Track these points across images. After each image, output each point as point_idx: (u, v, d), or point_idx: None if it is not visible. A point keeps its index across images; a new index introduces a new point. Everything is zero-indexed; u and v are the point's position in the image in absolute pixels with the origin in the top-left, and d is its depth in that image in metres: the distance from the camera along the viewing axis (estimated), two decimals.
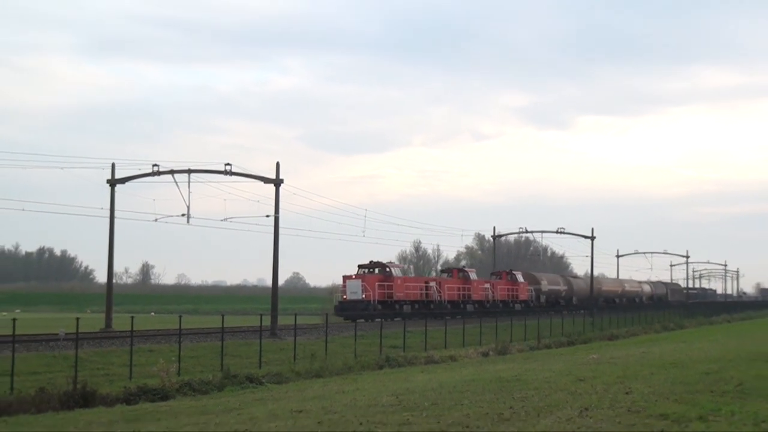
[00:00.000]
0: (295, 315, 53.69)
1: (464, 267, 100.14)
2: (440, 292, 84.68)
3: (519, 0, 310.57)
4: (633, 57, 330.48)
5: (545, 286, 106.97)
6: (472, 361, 46.22)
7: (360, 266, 78.08)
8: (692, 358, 35.87)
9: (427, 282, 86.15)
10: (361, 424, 18.35)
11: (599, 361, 36.89)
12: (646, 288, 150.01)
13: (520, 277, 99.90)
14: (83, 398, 29.11)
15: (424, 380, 31.08)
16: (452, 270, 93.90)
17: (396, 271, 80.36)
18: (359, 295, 73.05)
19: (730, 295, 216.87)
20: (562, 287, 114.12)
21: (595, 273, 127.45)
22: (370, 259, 78.80)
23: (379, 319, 73.82)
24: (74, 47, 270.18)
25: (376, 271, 77.77)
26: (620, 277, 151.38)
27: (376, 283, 74.64)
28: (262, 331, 50.02)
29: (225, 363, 37.76)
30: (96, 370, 34.35)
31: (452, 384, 27.68)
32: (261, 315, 56.06)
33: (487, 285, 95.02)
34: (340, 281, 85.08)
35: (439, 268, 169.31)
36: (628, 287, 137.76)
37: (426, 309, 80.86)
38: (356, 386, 30.73)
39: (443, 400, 22.40)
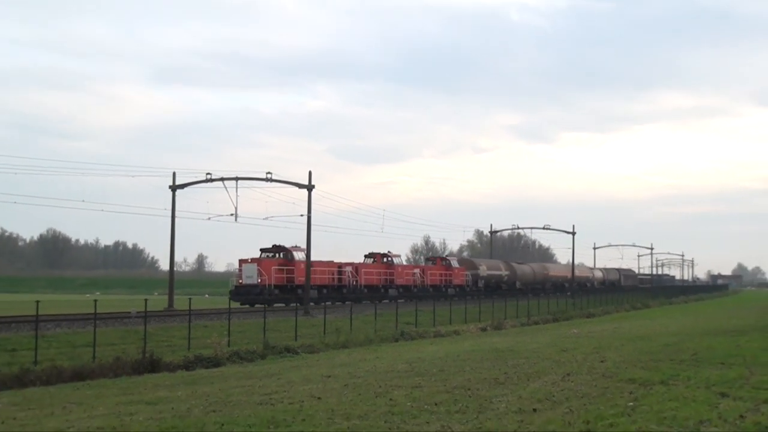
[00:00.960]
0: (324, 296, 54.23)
1: (388, 253, 78.43)
2: (356, 277, 71.18)
3: (510, 38, 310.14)
4: (604, 84, 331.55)
5: (484, 271, 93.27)
6: (472, 335, 46.09)
7: (262, 250, 65.06)
8: (655, 332, 35.82)
9: (341, 267, 70.50)
10: (380, 386, 18.34)
11: (579, 335, 36.83)
12: (598, 274, 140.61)
13: (454, 263, 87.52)
14: (151, 365, 29.14)
15: (432, 351, 31.02)
16: (376, 255, 77.24)
17: (299, 255, 64.00)
18: (254, 280, 60.05)
19: (687, 281, 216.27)
20: (504, 272, 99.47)
21: (576, 262, 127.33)
22: (273, 243, 65.11)
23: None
24: (143, 77, 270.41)
25: (280, 255, 64.10)
26: (597, 265, 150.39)
27: (273, 267, 61.24)
28: (297, 310, 50.02)
29: (266, 336, 37.64)
30: (161, 342, 34.34)
31: (456, 354, 27.63)
32: (297, 301, 56.58)
33: (416, 270, 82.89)
34: None
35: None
36: (577, 273, 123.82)
37: (338, 294, 69.18)
38: (376, 355, 30.67)
39: (449, 367, 22.36)
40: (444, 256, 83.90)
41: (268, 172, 61.13)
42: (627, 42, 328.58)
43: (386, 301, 74.47)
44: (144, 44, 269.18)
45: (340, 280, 68.82)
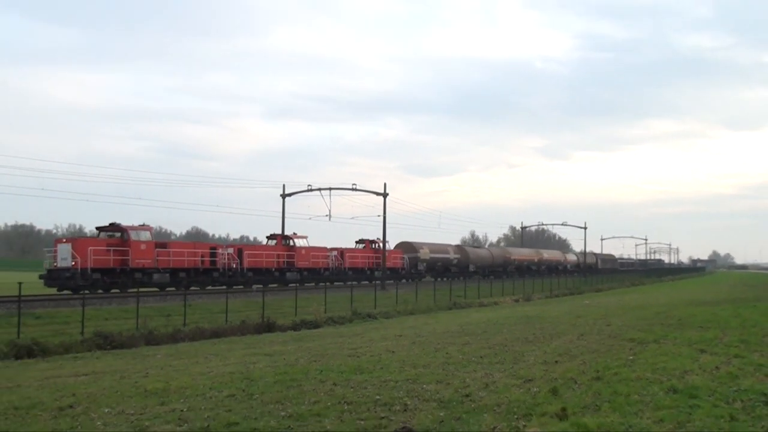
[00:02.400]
0: (383, 277, 54.18)
1: (293, 234, 56.82)
2: (236, 260, 49.67)
3: (535, 81, 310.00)
4: (608, 115, 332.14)
5: (425, 254, 72.44)
6: (508, 305, 45.82)
7: (98, 228, 45.66)
8: (649, 303, 35.38)
9: (213, 248, 49.59)
10: (438, 343, 18.30)
11: (590, 305, 36.46)
12: (571, 257, 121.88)
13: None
14: (267, 327, 29.36)
15: (477, 317, 30.84)
16: (276, 236, 56.65)
17: (142, 235, 43.75)
18: (68, 262, 40.48)
19: (673, 264, 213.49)
20: (453, 256, 79.00)
21: (588, 250, 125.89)
22: (111, 222, 44.25)
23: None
24: (259, 114, 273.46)
25: (118, 235, 43.42)
26: (604, 251, 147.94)
27: (91, 248, 40.92)
28: (376, 286, 50.14)
29: (353, 305, 37.76)
30: (275, 310, 34.56)
31: (495, 319, 27.47)
32: (376, 281, 56.52)
33: (332, 252, 59.81)
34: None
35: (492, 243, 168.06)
36: (547, 256, 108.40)
37: (204, 278, 47.30)
38: (435, 320, 30.61)
39: (490, 329, 22.24)
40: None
41: (353, 184, 61.97)
42: (625, 82, 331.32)
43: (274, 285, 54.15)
44: (259, 89, 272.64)
45: (214, 263, 47.35)
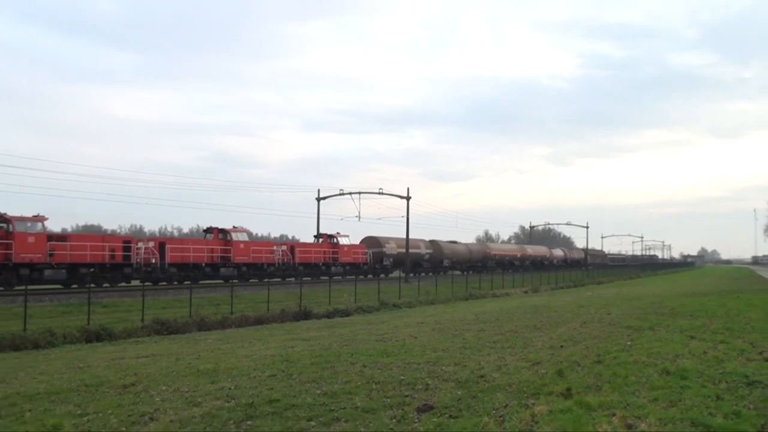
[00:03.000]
0: (407, 270, 54.02)
1: (233, 228, 47.07)
2: (156, 255, 40.03)
3: (541, 95, 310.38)
4: (608, 125, 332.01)
5: (391, 249, 62.03)
6: (518, 296, 45.61)
7: None
8: (645, 294, 35.07)
9: (127, 242, 39.28)
10: (456, 330, 18.28)
11: (592, 296, 36.19)
12: (558, 253, 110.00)
13: (343, 240, 55.25)
14: (304, 315, 29.45)
15: (491, 306, 30.74)
16: (213, 230, 46.89)
17: (31, 227, 34.35)
18: None
19: (666, 259, 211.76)
20: (425, 251, 67.87)
21: (588, 247, 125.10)
22: None
23: (462, 271, 71.27)
24: (296, 127, 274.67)
25: (3, 226, 33.71)
26: (605, 248, 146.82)
27: None
28: (400, 280, 50.09)
29: (380, 296, 37.75)
30: (311, 299, 34.64)
31: (507, 308, 27.36)
32: (399, 272, 56.35)
33: (281, 247, 50.39)
34: None
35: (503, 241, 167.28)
36: (530, 251, 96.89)
37: (114, 274, 37.85)
38: (453, 309, 30.53)
39: (502, 317, 22.15)
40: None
41: (380, 188, 62.39)
42: (623, 96, 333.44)
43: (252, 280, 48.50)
44: (296, 106, 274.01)
45: (128, 258, 37.88)
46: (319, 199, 62.70)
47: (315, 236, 56.24)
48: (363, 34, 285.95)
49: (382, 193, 62.19)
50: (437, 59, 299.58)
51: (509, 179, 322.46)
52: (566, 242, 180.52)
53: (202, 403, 9.05)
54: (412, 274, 59.15)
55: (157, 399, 9.57)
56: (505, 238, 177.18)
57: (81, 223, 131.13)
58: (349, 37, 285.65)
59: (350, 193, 62.78)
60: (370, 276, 56.98)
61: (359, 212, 64.69)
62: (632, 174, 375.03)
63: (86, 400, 9.81)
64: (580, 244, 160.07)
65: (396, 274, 63.46)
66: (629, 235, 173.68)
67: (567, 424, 7.34)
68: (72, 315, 26.63)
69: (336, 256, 54.19)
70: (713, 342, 13.76)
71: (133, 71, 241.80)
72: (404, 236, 63.22)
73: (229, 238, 45.95)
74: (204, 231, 48.20)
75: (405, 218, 60.63)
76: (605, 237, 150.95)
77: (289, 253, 49.79)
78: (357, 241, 61.09)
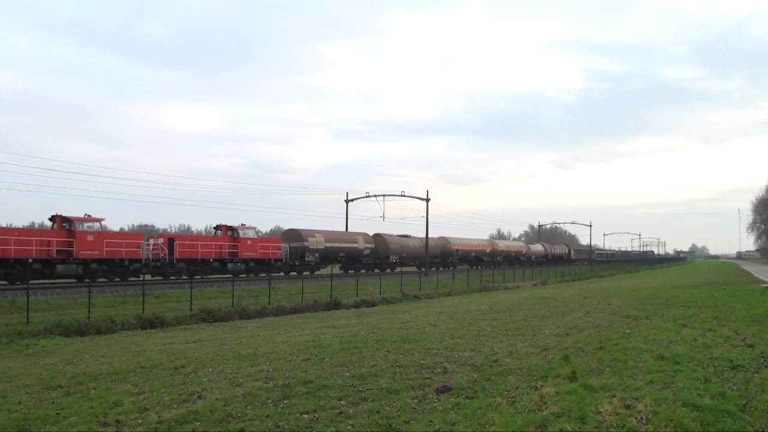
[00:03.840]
0: (426, 264, 53.86)
1: (241, 225, 43.82)
2: (162, 250, 37.82)
3: (547, 106, 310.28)
4: (607, 133, 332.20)
5: (317, 243, 50.63)
6: (528, 288, 45.43)
7: None
8: (642, 287, 34.81)
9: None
10: (471, 319, 18.21)
11: (594, 289, 35.96)
12: (537, 248, 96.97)
13: (248, 233, 44.13)
14: (334, 305, 29.53)
15: (503, 298, 30.66)
16: (222, 227, 44.18)
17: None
18: None
19: (661, 255, 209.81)
20: (364, 245, 56.12)
21: (592, 244, 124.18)
22: None
23: (479, 266, 71.03)
24: (326, 136, 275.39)
25: None
26: (606, 245, 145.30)
27: None
28: (420, 273, 50.07)
29: (402, 288, 37.76)
30: (340, 291, 34.75)
31: (518, 299, 27.27)
32: (420, 267, 56.04)
33: (157, 240, 39.64)
34: None
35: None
36: (503, 247, 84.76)
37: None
38: (469, 300, 30.49)
39: (514, 308, 22.07)
40: (237, 225, 43.75)
41: (402, 191, 62.23)
42: (620, 107, 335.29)
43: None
44: (326, 116, 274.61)
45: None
46: (347, 201, 62.83)
47: (215, 228, 45.55)
48: (385, 53, 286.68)
49: (404, 196, 62.09)
50: (453, 75, 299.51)
51: (519, 183, 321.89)
52: (571, 240, 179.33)
53: (244, 384, 9.11)
54: (423, 269, 59.04)
55: (204, 380, 9.65)
56: (516, 235, 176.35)
57: (136, 223, 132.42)
58: (373, 55, 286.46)
59: (375, 196, 62.76)
60: (282, 274, 46.70)
61: (383, 213, 64.31)
62: (630, 177, 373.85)
63: (142, 380, 9.92)
64: (584, 241, 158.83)
65: (390, 269, 59.47)
66: (628, 233, 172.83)
67: (572, 404, 7.31)
68: (129, 305, 26.92)
69: (235, 250, 42.81)
70: (702, 330, 13.63)
71: (183, 88, 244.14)
72: (343, 230, 57.14)
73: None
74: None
75: (425, 218, 60.57)
76: (607, 235, 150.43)
77: (165, 248, 38.38)
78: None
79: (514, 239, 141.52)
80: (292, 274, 48.35)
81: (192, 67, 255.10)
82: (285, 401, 7.98)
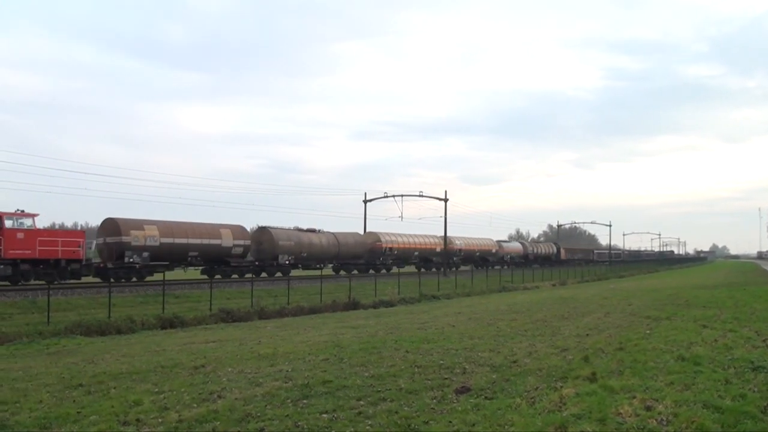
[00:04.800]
0: (447, 265, 53.63)
1: (14, 212, 29.21)
2: None
3: (567, 105, 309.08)
4: (627, 132, 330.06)
5: (143, 239, 36.15)
6: (547, 289, 45.26)
7: None
8: (662, 287, 34.55)
9: None
10: (490, 319, 18.17)
11: (614, 289, 35.72)
12: (514, 247, 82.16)
13: (21, 224, 29.55)
14: (353, 305, 29.64)
15: (522, 298, 30.55)
16: None
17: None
18: None
19: (682, 255, 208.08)
20: (235, 242, 41.41)
21: (612, 243, 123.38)
22: None
23: (500, 266, 70.20)
24: (344, 137, 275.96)
25: None
26: (626, 245, 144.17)
27: None
28: (439, 273, 50.00)
29: (420, 288, 37.75)
30: (359, 291, 34.83)
31: (537, 300, 27.15)
32: (438, 266, 55.99)
33: None
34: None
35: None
36: (461, 244, 68.38)
37: None
38: (488, 301, 30.41)
39: (533, 308, 21.98)
40: (16, 211, 29.46)
41: (420, 191, 62.10)
42: (640, 105, 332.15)
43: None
44: (344, 117, 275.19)
45: None
46: (365, 201, 62.80)
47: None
48: (403, 53, 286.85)
49: (422, 196, 61.95)
50: (471, 74, 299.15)
51: (538, 182, 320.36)
52: (591, 240, 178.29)
53: (263, 384, 9.16)
54: (443, 269, 58.90)
55: (224, 379, 9.71)
56: (535, 235, 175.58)
57: None
58: (391, 56, 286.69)
59: (393, 196, 62.62)
60: (76, 278, 32.85)
61: (402, 213, 64.30)
62: (650, 176, 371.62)
63: (162, 380, 10.00)
64: (604, 241, 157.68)
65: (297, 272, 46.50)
66: (648, 233, 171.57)
67: (592, 405, 7.28)
68: (149, 305, 27.15)
69: None
70: (723, 331, 13.52)
71: (203, 90, 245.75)
72: (209, 223, 41.30)
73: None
74: None
75: (443, 218, 60.42)
76: (626, 235, 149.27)
77: None
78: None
79: (533, 239, 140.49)
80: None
81: (211, 69, 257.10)
82: (304, 401, 8.00)
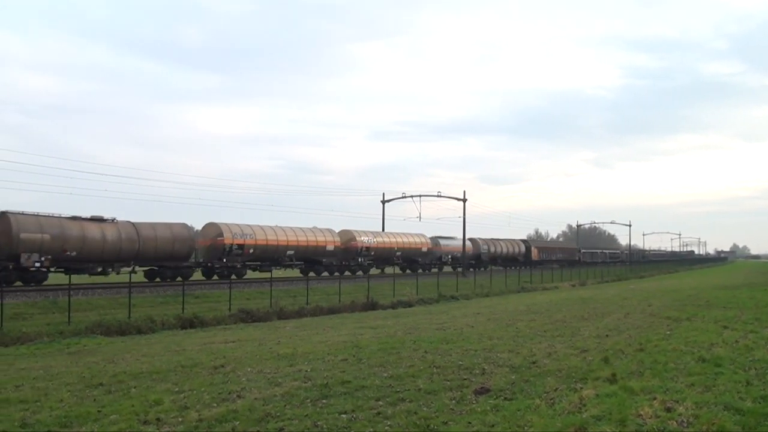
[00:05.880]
0: (463, 265, 53.51)
1: None
2: None
3: (586, 105, 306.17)
4: (646, 131, 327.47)
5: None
6: (566, 289, 45.07)
7: None
8: (682, 287, 34.31)
9: None
10: (509, 319, 18.15)
11: (634, 289, 35.51)
12: (451, 245, 61.96)
13: None
14: (371, 306, 29.69)
15: (541, 298, 30.45)
16: None
17: None
18: None
19: (702, 255, 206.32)
20: (40, 235, 28.89)
21: (632, 243, 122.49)
22: None
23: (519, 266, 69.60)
24: (362, 137, 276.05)
25: None
26: (646, 245, 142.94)
27: None
28: (457, 274, 49.93)
29: (439, 289, 37.73)
30: (377, 292, 34.82)
31: (556, 300, 27.06)
32: (457, 266, 55.86)
33: None
34: None
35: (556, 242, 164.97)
36: (369, 240, 51.28)
37: None
38: (506, 301, 30.33)
39: (552, 308, 21.92)
40: None
41: (438, 191, 62.26)
42: (659, 104, 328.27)
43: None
44: (362, 117, 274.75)
45: None
46: (383, 202, 62.89)
47: None
48: (421, 53, 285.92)
49: (441, 196, 62.01)
50: (489, 74, 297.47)
51: (557, 182, 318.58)
52: (610, 240, 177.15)
53: (283, 383, 9.21)
54: (460, 269, 58.78)
55: (244, 379, 9.77)
56: (554, 236, 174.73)
57: None
58: (408, 56, 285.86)
59: (411, 196, 62.68)
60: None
61: (420, 213, 64.64)
62: (670, 176, 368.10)
63: (182, 379, 10.08)
64: (623, 241, 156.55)
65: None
66: (668, 233, 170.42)
67: (612, 406, 7.25)
68: (169, 305, 27.35)
69: None
70: (744, 332, 13.41)
71: (221, 91, 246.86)
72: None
73: None
74: None
75: (462, 219, 60.36)
76: (646, 235, 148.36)
77: None
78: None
79: (553, 240, 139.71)
80: None
81: (229, 70, 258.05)
82: (323, 401, 8.04)
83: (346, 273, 48.45)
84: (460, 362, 10.48)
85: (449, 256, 62.15)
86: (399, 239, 55.97)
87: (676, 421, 6.71)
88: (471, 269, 59.78)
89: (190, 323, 23.20)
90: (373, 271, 52.34)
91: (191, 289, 31.31)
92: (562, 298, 28.60)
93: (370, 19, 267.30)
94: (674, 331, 13.84)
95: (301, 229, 45.71)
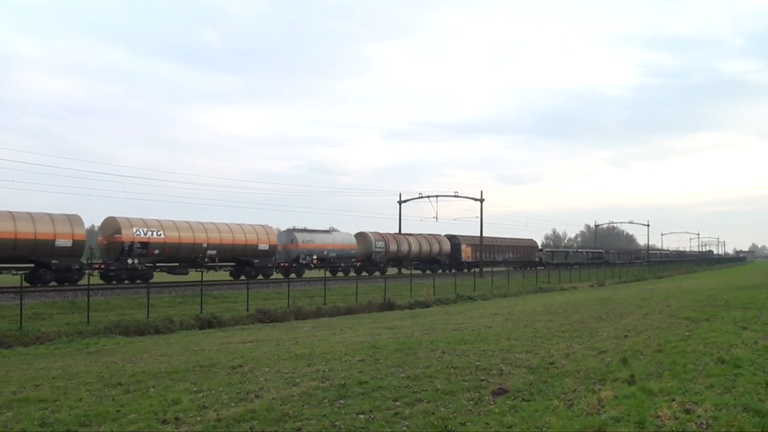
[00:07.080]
0: (482, 267, 53.34)
1: None
2: None
3: (602, 103, 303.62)
4: (663, 130, 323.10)
5: None
6: (584, 289, 44.83)
7: None
8: (701, 288, 34.02)
9: None
10: (527, 320, 18.11)
11: (653, 290, 35.26)
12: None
13: None
14: (389, 306, 29.72)
15: (559, 299, 30.33)
16: None
17: None
18: None
19: (721, 255, 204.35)
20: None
21: (650, 243, 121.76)
22: None
23: (541, 267, 69.31)
24: (378, 137, 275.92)
25: None
26: (664, 245, 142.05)
27: None
28: (475, 274, 49.83)
29: (456, 289, 37.66)
30: (394, 293, 34.83)
31: (574, 301, 26.94)
32: (474, 268, 55.68)
33: None
34: None
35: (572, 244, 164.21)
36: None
37: None
38: (524, 301, 30.24)
39: (570, 309, 21.84)
40: None
41: (455, 191, 61.99)
42: (677, 102, 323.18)
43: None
44: (378, 118, 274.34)
45: None
46: (400, 202, 62.96)
47: None
48: (437, 53, 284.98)
49: (458, 196, 61.82)
50: (506, 73, 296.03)
51: (575, 181, 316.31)
52: (628, 240, 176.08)
53: (300, 383, 9.25)
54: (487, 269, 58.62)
55: (261, 379, 9.82)
56: (572, 236, 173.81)
57: None
58: (424, 56, 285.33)
59: (428, 197, 62.60)
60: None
61: (437, 214, 64.57)
62: (688, 175, 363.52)
63: (201, 379, 10.15)
64: (641, 241, 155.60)
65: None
66: (687, 233, 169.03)
67: (631, 408, 7.23)
68: (187, 305, 27.53)
69: None
70: (764, 332, 13.31)
71: (238, 93, 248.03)
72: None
73: None
74: None
75: (479, 219, 60.22)
76: (665, 234, 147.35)
77: None
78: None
79: (570, 240, 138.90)
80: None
81: (246, 72, 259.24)
82: (341, 401, 8.07)
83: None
84: (478, 363, 10.48)
85: (313, 257, 47.26)
86: (212, 234, 38.77)
87: (695, 423, 6.68)
88: (356, 273, 50.06)
89: (208, 323, 23.34)
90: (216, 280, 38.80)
91: (209, 289, 31.51)
92: (580, 299, 28.48)
93: (386, 19, 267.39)
94: (693, 332, 13.75)
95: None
